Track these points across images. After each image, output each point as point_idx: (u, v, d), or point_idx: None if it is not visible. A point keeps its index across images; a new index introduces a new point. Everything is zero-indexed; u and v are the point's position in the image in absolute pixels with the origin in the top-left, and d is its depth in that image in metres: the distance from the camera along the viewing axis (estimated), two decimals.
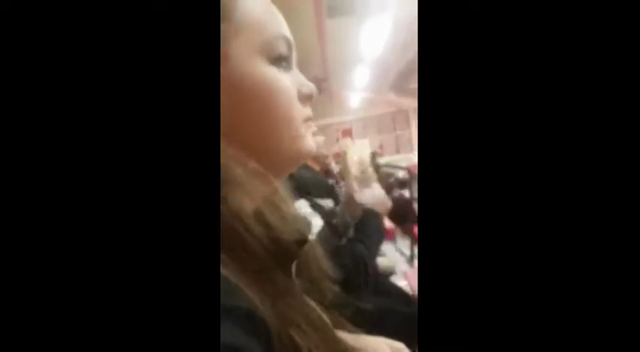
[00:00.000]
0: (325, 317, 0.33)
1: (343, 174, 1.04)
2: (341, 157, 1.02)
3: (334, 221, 0.91)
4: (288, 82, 0.30)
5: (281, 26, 0.31)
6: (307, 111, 0.33)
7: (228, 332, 0.20)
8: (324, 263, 0.40)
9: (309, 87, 0.33)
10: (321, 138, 1.19)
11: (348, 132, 9.05)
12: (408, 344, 0.83)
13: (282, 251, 0.29)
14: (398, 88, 7.05)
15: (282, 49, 0.30)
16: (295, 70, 0.33)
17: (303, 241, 0.32)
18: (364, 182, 0.95)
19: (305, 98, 0.33)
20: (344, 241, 0.85)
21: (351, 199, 0.90)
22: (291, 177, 0.87)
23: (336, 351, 0.30)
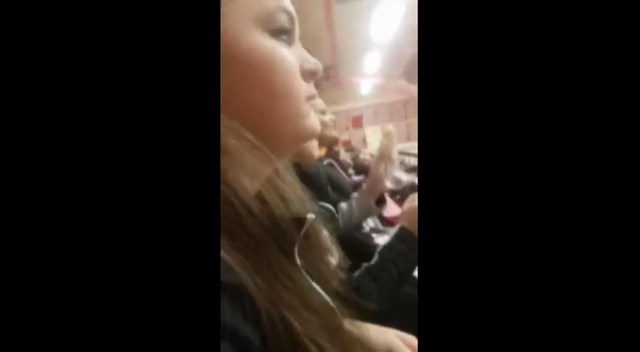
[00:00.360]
0: (332, 304, 0.33)
1: (381, 152, 0.93)
2: (384, 136, 0.95)
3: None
4: (290, 56, 0.29)
5: None
6: (311, 88, 0.31)
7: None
8: (328, 247, 0.39)
9: (314, 63, 0.31)
10: (331, 117, 1.17)
11: (358, 120, 8.98)
12: (409, 324, 0.83)
13: (281, 230, 0.29)
14: (409, 74, 6.93)
15: (283, 21, 0.28)
16: (298, 45, 0.31)
17: (301, 220, 0.32)
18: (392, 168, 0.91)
19: (309, 75, 0.31)
20: (363, 268, 0.69)
21: (379, 170, 0.86)
22: (312, 172, 0.86)
23: (338, 339, 0.29)
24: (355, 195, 0.98)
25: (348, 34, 4.68)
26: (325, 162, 1.25)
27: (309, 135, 0.31)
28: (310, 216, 0.32)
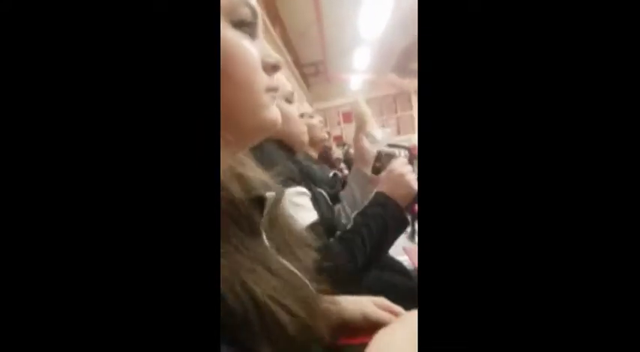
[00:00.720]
0: (300, 275, 0.34)
1: (357, 126, 0.91)
2: (355, 107, 0.92)
3: (337, 208, 0.87)
4: (251, 48, 0.29)
5: None
6: (272, 81, 0.31)
7: None
8: (296, 229, 0.41)
9: (275, 57, 0.31)
10: (319, 119, 1.18)
11: (349, 115, 8.99)
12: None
13: (240, 212, 0.30)
14: (400, 68, 6.93)
15: (246, 14, 0.29)
16: (261, 39, 0.31)
17: (259, 199, 0.33)
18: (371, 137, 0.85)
19: (270, 68, 0.31)
20: (337, 234, 0.68)
21: (359, 144, 0.84)
22: (297, 166, 0.87)
23: (300, 296, 0.30)
24: (349, 175, 0.96)
25: (337, 30, 4.67)
26: (331, 173, 1.26)
27: (269, 127, 0.31)
28: (270, 194, 0.33)
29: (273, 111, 0.31)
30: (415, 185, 0.67)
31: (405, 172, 0.68)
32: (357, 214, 0.67)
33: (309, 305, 0.30)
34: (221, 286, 0.23)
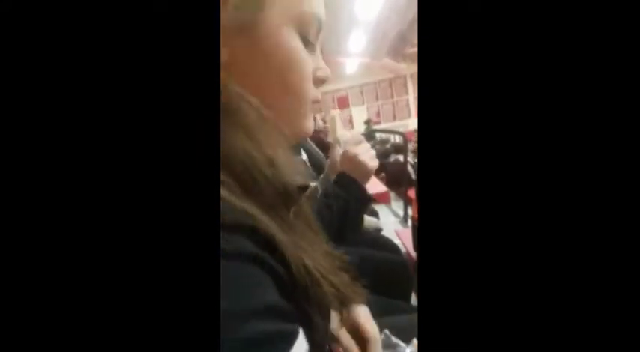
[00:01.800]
0: (329, 250, 0.37)
1: (332, 135, 0.92)
2: (329, 121, 0.95)
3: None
4: (309, 60, 0.31)
5: (318, 6, 0.32)
6: (317, 93, 0.34)
7: (239, 243, 0.22)
8: (312, 217, 0.43)
9: (325, 70, 0.34)
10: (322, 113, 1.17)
11: (344, 100, 8.93)
12: (399, 290, 0.90)
13: (288, 193, 0.32)
14: (395, 52, 6.85)
15: (314, 29, 0.31)
16: (318, 52, 0.33)
17: (305, 187, 0.35)
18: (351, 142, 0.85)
19: (318, 81, 0.33)
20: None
21: (335, 158, 0.81)
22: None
23: (342, 280, 0.32)
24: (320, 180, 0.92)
25: (333, 12, 4.58)
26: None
27: (302, 136, 0.34)
28: (313, 184, 0.36)
29: (309, 123, 0.34)
30: (371, 163, 0.68)
31: (359, 153, 0.68)
32: (321, 195, 0.69)
33: (344, 283, 0.32)
34: (286, 255, 0.25)
